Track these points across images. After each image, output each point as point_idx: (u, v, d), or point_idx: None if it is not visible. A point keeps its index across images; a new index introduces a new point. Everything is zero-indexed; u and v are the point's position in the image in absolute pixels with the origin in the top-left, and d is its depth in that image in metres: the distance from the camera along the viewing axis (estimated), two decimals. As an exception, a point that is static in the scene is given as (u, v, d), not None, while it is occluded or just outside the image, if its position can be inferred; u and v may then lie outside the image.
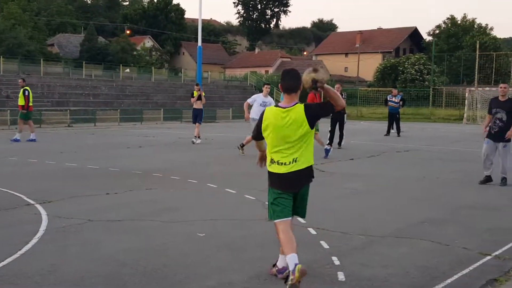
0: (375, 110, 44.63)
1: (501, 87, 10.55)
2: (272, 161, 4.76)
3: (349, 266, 5.28)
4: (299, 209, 4.99)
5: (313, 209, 7.91)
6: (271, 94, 52.76)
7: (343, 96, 17.18)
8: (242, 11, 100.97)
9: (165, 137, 22.19)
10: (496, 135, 10.35)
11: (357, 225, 6.97)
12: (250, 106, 15.15)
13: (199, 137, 19.08)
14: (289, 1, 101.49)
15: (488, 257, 5.62)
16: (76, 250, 5.74)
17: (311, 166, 4.84)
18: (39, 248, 5.79)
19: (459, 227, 7.00)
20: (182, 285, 4.75)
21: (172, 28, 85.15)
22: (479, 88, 38.74)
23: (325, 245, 5.99)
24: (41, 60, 45.39)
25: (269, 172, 4.80)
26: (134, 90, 43.35)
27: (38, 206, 7.86)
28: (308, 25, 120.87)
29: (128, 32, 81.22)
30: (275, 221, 4.81)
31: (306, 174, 4.82)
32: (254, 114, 14.79)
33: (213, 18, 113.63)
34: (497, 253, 5.77)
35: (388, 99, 24.25)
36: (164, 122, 34.53)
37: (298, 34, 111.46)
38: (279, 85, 4.84)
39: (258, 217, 7.33)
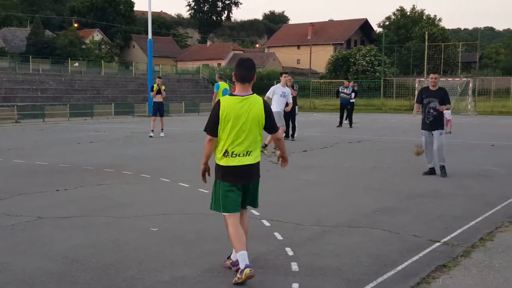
0: (327, 102, 45.13)
1: (431, 78, 10.84)
2: (225, 154, 4.66)
3: (302, 256, 5.33)
4: (252, 200, 4.95)
5: (267, 201, 7.98)
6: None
7: (295, 88, 17.33)
8: (193, 4, 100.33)
9: (117, 132, 21.86)
10: (431, 124, 10.52)
11: (311, 216, 7.03)
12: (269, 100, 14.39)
13: (162, 129, 19.33)
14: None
15: (437, 244, 5.76)
16: (26, 248, 5.61)
17: (259, 162, 4.85)
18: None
19: (410, 215, 7.16)
20: (135, 280, 4.70)
21: (122, 21, 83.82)
22: (428, 79, 39.72)
23: (279, 237, 6.02)
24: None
25: (220, 166, 4.72)
26: (84, 85, 42.52)
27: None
28: (260, 17, 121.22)
29: (76, 25, 79.48)
30: (225, 214, 4.77)
31: (257, 169, 4.82)
32: (276, 107, 14.19)
33: (163, 11, 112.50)
34: (445, 239, 5.93)
35: (340, 90, 24.57)
36: (115, 117, 34.02)
37: (250, 27, 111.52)
38: (233, 74, 4.76)
39: (211, 211, 7.28)
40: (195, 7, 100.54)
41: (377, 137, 19.03)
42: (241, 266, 4.51)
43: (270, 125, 4.79)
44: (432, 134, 10.55)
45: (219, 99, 4.71)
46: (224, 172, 4.70)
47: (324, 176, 10.52)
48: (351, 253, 5.44)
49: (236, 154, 4.64)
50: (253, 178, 4.79)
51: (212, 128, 4.69)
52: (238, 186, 4.72)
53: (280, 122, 13.84)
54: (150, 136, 18.53)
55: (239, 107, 4.60)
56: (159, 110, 19.12)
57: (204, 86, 52.75)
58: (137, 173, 10.61)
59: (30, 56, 49.37)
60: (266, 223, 6.61)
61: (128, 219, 6.90)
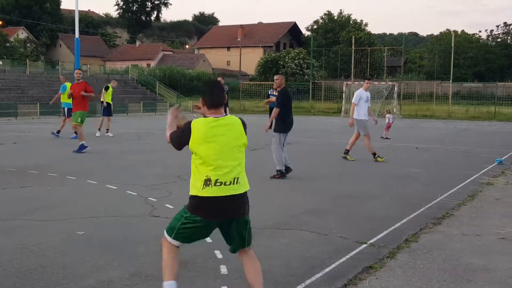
0: (257, 104, 45.42)
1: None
2: (208, 183, 3.90)
3: (232, 259, 5.31)
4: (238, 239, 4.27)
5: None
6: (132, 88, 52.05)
7: (226, 90, 17.37)
8: (122, 3, 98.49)
9: (43, 132, 21.14)
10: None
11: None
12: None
13: (106, 130, 19.85)
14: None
15: (364, 245, 5.91)
16: (16, 243, 5.42)
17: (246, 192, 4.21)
18: None
19: (338, 216, 7.31)
20: (59, 285, 4.57)
21: (48, 19, 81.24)
22: (355, 82, 40.66)
23: (208, 239, 5.98)
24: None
25: (199, 198, 3.95)
26: (8, 84, 40.82)
27: None
28: (190, 18, 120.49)
29: (0, 22, 76.30)
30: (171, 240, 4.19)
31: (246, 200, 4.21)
32: (363, 114, 13.10)
33: (91, 10, 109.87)
34: (372, 241, 6.08)
35: (269, 93, 24.77)
36: (41, 117, 32.89)
37: (180, 27, 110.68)
38: (202, 100, 4.12)
39: (139, 213, 7.22)
40: (124, 6, 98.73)
41: (306, 139, 19.34)
42: None
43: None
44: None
45: (190, 122, 4.00)
46: (200, 205, 3.99)
47: (251, 178, 10.51)
48: (281, 255, 5.50)
49: (221, 182, 3.92)
50: (240, 211, 4.16)
51: (179, 145, 4.12)
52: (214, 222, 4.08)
53: (365, 130, 13.16)
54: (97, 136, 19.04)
55: (215, 126, 3.97)
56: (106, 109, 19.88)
57: (133, 87, 51.87)
58: (63, 174, 10.31)
59: None
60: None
61: (53, 222, 6.69)
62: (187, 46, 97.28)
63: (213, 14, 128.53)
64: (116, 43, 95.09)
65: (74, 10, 37.23)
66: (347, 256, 5.50)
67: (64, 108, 19.29)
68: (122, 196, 8.45)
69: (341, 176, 10.89)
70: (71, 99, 15.07)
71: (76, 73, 15.04)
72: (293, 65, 58.71)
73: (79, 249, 5.62)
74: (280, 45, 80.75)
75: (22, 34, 77.21)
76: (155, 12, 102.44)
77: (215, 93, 4.12)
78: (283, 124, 10.53)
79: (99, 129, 19.55)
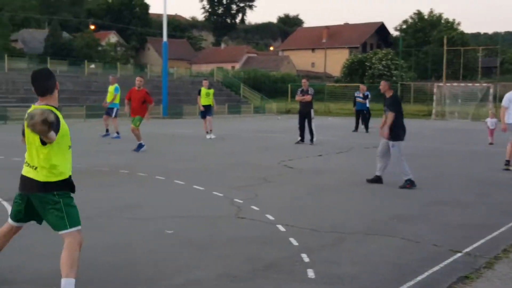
0: (343, 106, 44.90)
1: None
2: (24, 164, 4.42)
3: (318, 263, 5.25)
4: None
5: (282, 206, 7.92)
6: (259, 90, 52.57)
7: (310, 92, 17.25)
8: (208, 6, 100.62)
9: (130, 133, 21.83)
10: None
11: (327, 222, 6.94)
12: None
13: (211, 131, 19.20)
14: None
15: (459, 254, 5.62)
16: (42, 248, 5.60)
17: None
18: (7, 245, 5.60)
19: (429, 223, 7.03)
20: (149, 282, 4.66)
21: (137, 24, 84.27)
22: (447, 84, 39.33)
23: (295, 242, 5.94)
24: (5, 56, 44.38)
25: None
26: (100, 86, 42.65)
27: (5, 203, 7.66)
28: (274, 20, 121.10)
29: (92, 27, 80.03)
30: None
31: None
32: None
33: (178, 14, 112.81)
34: (467, 250, 5.78)
35: (356, 95, 24.44)
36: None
37: (264, 30, 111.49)
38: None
39: (225, 214, 7.26)
40: (210, 10, 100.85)
41: (393, 142, 18.82)
42: None
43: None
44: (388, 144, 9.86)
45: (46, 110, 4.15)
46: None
47: (339, 181, 10.41)
48: (369, 261, 5.34)
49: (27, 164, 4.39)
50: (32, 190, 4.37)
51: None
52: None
53: None
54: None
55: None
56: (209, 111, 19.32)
57: (219, 89, 52.76)
58: (152, 175, 10.59)
59: (48, 58, 49.73)
60: (282, 228, 6.53)
61: (143, 220, 6.86)
62: (271, 48, 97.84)
63: (297, 15, 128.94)
64: (202, 46, 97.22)
65: (162, 14, 38.40)
66: (441, 265, 5.26)
67: (113, 108, 19.95)
68: (208, 197, 8.55)
69: (431, 181, 10.50)
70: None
71: (138, 80, 15.47)
72: (380, 66, 57.59)
73: (168, 247, 5.72)
74: (366, 46, 79.48)
75: (113, 38, 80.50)
76: (240, 15, 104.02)
77: (38, 81, 4.37)
78: (402, 131, 9.85)
79: (208, 131, 18.99)
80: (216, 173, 11.14)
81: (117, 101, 20.03)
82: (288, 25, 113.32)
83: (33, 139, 4.25)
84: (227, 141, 18.60)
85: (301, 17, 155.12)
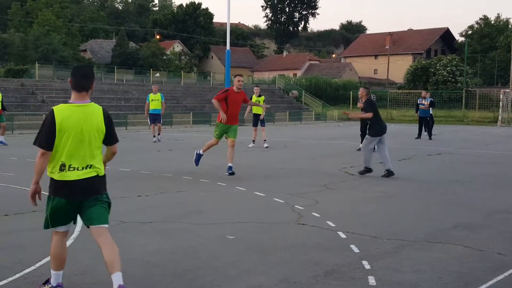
0: (405, 113, 44.16)
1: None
2: (62, 168, 4.22)
3: (379, 270, 5.23)
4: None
5: (343, 212, 7.91)
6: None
7: (372, 98, 17.09)
8: (270, 15, 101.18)
9: (195, 140, 22.30)
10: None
11: (387, 229, 6.89)
12: None
13: (265, 141, 18.83)
14: (317, 4, 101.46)
15: (525, 264, 5.48)
16: None
17: (103, 176, 4.43)
18: (75, 248, 5.88)
19: (493, 232, 6.86)
20: (212, 287, 4.77)
21: (201, 32, 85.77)
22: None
23: (355, 249, 5.94)
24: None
25: (56, 180, 4.26)
26: (164, 94, 43.04)
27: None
28: (337, 27, 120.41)
29: (158, 37, 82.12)
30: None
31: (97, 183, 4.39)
32: None
33: (241, 22, 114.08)
34: (533, 259, 5.62)
35: (418, 102, 23.99)
36: (193, 126, 34.76)
37: (327, 37, 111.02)
38: (69, 80, 4.34)
39: (286, 221, 7.32)
40: (272, 18, 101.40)
41: (458, 149, 18.41)
42: (53, 283, 4.51)
43: (109, 136, 4.46)
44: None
45: (52, 108, 4.25)
46: (57, 187, 4.28)
47: (401, 188, 10.28)
48: (431, 269, 5.28)
49: (74, 168, 4.25)
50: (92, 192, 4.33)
51: (46, 141, 4.20)
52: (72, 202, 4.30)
53: None
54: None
55: (76, 114, 4.23)
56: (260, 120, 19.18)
57: (280, 96, 52.95)
58: (214, 181, 10.78)
59: (115, 67, 51.40)
60: (342, 235, 6.53)
61: (205, 226, 7.01)
62: (333, 55, 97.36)
63: (360, 22, 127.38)
64: (264, 54, 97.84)
65: (225, 23, 38.98)
66: (505, 274, 5.13)
67: (159, 114, 20.67)
68: (269, 203, 8.64)
69: (496, 189, 10.21)
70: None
71: (238, 80, 12.24)
72: (445, 73, 56.17)
73: (230, 252, 5.83)
74: (431, 52, 77.79)
75: (178, 47, 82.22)
76: (303, 23, 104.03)
77: (77, 77, 4.32)
78: (379, 130, 11.80)
79: (256, 140, 18.96)
80: (276, 179, 11.23)
81: (158, 106, 20.63)
82: (351, 32, 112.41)
83: (89, 138, 4.24)
84: (288, 148, 18.66)
85: (364, 23, 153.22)
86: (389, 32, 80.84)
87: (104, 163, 4.49)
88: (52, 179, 4.27)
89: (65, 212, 4.31)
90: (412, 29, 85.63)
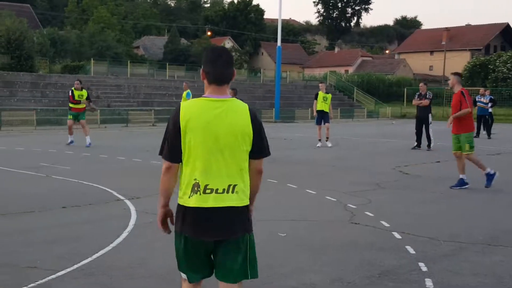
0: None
1: None
2: (195, 189, 3.05)
3: (437, 273, 5.06)
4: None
5: (398, 212, 7.73)
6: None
7: (428, 96, 16.70)
8: (322, 10, 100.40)
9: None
10: None
11: (445, 230, 6.67)
12: None
13: (327, 139, 17.89)
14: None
15: None
16: (163, 245, 5.82)
17: (247, 207, 3.21)
18: (129, 241, 5.96)
19: (558, 235, 6.56)
20: (264, 284, 4.72)
21: (252, 29, 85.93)
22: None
23: (411, 250, 5.77)
24: (128, 62, 47.08)
25: (184, 207, 3.12)
26: (215, 90, 43.99)
27: (127, 202, 8.11)
28: (391, 23, 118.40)
29: (209, 33, 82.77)
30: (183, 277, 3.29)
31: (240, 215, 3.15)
32: None
33: (292, 18, 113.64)
34: None
35: (477, 99, 23.25)
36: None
37: (380, 32, 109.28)
38: (202, 71, 3.22)
39: (338, 219, 7.21)
40: (324, 13, 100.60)
41: (517, 149, 17.77)
42: None
43: (257, 146, 3.18)
44: None
45: (178, 104, 3.22)
46: (186, 218, 3.11)
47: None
48: (492, 273, 5.07)
49: (211, 190, 3.05)
50: (235, 230, 3.12)
51: (171, 148, 3.10)
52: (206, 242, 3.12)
53: None
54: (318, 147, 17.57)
55: (210, 109, 3.07)
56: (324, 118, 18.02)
57: (331, 93, 52.54)
58: (264, 178, 10.67)
59: (167, 63, 52.09)
60: (397, 235, 6.37)
61: (256, 222, 6.91)
62: (387, 51, 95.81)
63: (415, 17, 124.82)
64: (315, 50, 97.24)
65: (276, 19, 38.90)
66: None
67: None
68: (321, 201, 8.53)
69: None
70: None
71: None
72: (505, 69, 54.36)
73: (282, 250, 5.77)
74: (490, 48, 75.44)
75: (228, 43, 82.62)
76: (355, 18, 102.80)
77: (218, 65, 3.18)
78: None
79: (322, 139, 17.86)
80: (328, 177, 11.09)
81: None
82: (405, 27, 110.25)
83: (230, 145, 3.05)
84: (340, 146, 18.43)
85: (419, 18, 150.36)
86: (446, 28, 78.78)
87: (251, 189, 3.25)
88: (180, 206, 3.13)
89: (198, 256, 3.14)
90: (470, 25, 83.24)
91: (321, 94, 17.87)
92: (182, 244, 3.12)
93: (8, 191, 9.02)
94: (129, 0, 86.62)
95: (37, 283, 4.67)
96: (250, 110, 3.15)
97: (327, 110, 17.76)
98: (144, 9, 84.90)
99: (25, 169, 11.36)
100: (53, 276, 4.83)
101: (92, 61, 42.63)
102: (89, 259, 5.31)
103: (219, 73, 3.16)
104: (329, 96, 18.07)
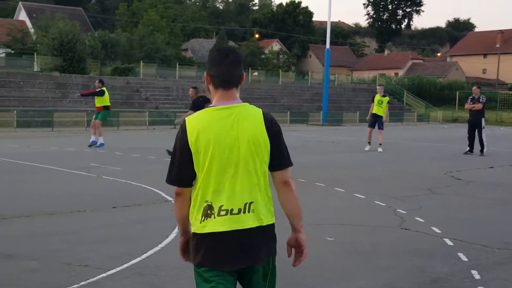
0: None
1: None
2: (208, 213, 2.67)
3: (491, 281, 4.90)
4: None
5: (450, 218, 7.54)
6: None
7: (481, 100, 16.25)
8: (372, 12, 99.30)
9: (292, 140, 22.25)
10: None
11: (499, 237, 6.46)
12: None
13: (380, 144, 17.18)
14: (422, 0, 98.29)
15: None
16: None
17: (272, 226, 2.83)
18: (177, 242, 5.99)
19: None
20: (312, 287, 4.68)
21: (300, 31, 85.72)
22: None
23: (464, 258, 5.61)
24: (177, 64, 47.71)
25: (198, 235, 2.72)
26: (262, 93, 44.11)
27: (171, 198, 8.18)
28: (443, 25, 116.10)
29: (257, 36, 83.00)
30: None
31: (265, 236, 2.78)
32: None
33: (341, 20, 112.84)
34: None
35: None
36: (290, 125, 34.76)
37: (432, 35, 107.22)
38: (206, 74, 2.87)
39: (388, 224, 7.08)
40: (374, 15, 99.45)
41: None
42: None
43: (277, 155, 2.79)
44: None
45: (184, 120, 2.79)
46: (203, 247, 2.70)
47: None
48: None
49: (226, 210, 2.66)
50: (259, 255, 2.73)
51: (179, 172, 2.74)
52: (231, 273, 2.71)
53: None
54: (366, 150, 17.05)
55: (220, 119, 2.69)
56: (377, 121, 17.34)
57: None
58: (312, 181, 10.65)
59: (215, 66, 52.43)
60: (449, 242, 6.20)
61: (303, 226, 6.90)
62: (438, 54, 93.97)
63: (469, 19, 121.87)
64: (364, 53, 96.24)
65: (325, 22, 38.70)
66: None
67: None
68: (370, 205, 8.40)
69: None
70: None
71: None
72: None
73: (329, 254, 5.71)
74: (547, 51, 72.94)
75: (276, 46, 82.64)
76: (406, 20, 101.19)
77: (224, 66, 2.80)
78: None
79: (370, 143, 17.31)
80: (377, 182, 10.92)
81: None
82: (458, 29, 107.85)
83: (245, 157, 2.68)
84: (389, 150, 18.15)
85: (472, 21, 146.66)
86: (500, 30, 76.67)
87: (283, 207, 2.90)
88: (194, 235, 2.75)
89: None
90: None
91: (377, 97, 17.41)
92: (203, 277, 2.68)
93: (61, 191, 9.25)
94: (178, 3, 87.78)
95: (88, 281, 4.76)
96: (264, 115, 2.74)
97: (381, 114, 17.17)
98: (193, 12, 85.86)
99: (77, 169, 11.63)
100: (104, 274, 4.92)
101: (141, 63, 43.36)
102: (138, 259, 5.38)
103: (226, 75, 2.77)
104: (386, 99, 17.41)
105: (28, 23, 57.10)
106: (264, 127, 2.70)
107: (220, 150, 2.63)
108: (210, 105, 2.77)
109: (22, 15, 63.15)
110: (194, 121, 2.69)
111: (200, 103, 11.47)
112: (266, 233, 2.73)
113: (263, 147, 2.69)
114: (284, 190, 2.83)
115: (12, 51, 46.23)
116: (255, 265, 2.70)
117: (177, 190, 2.76)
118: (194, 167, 2.67)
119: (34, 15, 57.93)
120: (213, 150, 2.63)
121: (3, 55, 44.36)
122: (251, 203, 2.66)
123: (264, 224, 2.70)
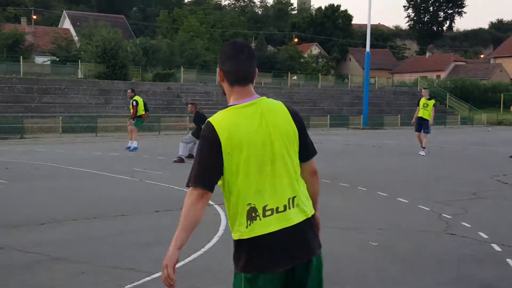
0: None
1: None
2: (253, 215, 2.56)
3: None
4: None
5: (497, 223, 7.36)
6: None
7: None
8: (413, 14, 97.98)
9: (333, 143, 22.15)
10: None
11: (549, 243, 6.27)
12: None
13: (424, 148, 16.80)
14: (464, 2, 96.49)
15: None
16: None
17: (314, 215, 2.75)
18: (220, 246, 6.04)
19: None
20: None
21: (339, 35, 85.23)
22: None
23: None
24: (216, 69, 47.95)
25: (244, 241, 2.59)
26: (301, 97, 44.03)
27: (217, 207, 8.22)
28: (486, 26, 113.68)
29: (296, 40, 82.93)
30: None
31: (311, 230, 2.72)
32: None
33: (381, 23, 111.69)
34: None
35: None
36: (330, 129, 34.58)
37: (474, 36, 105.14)
38: (219, 71, 2.76)
39: (432, 229, 6.95)
40: (415, 18, 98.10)
41: None
42: None
43: (305, 145, 2.75)
44: None
45: (208, 121, 2.63)
46: (252, 251, 2.58)
47: None
48: None
49: (271, 210, 2.57)
50: (314, 247, 2.69)
51: (205, 174, 2.59)
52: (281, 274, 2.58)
53: None
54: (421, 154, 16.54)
55: (247, 117, 2.61)
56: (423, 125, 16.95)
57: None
58: (354, 185, 10.56)
59: (254, 70, 52.61)
60: (497, 248, 6.06)
61: (345, 230, 6.86)
62: (481, 56, 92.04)
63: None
64: (404, 55, 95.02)
65: (364, 25, 38.39)
66: None
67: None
68: (413, 210, 8.27)
69: None
70: None
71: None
72: None
73: (373, 259, 5.65)
74: None
75: (315, 50, 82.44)
76: (448, 22, 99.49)
77: (240, 62, 2.68)
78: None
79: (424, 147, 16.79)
80: (421, 186, 10.75)
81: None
82: (502, 30, 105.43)
83: (280, 152, 2.61)
84: (433, 153, 17.84)
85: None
86: (545, 30, 74.66)
87: (312, 197, 2.80)
88: (239, 242, 2.62)
89: None
90: None
91: (422, 100, 17.10)
92: (254, 284, 2.54)
93: (105, 195, 9.42)
94: (218, 9, 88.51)
95: (133, 284, 4.83)
96: (287, 107, 2.71)
97: (427, 117, 16.80)
98: (232, 17, 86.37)
99: (120, 173, 11.83)
100: (149, 278, 4.98)
101: (181, 69, 43.85)
102: (182, 263, 5.42)
103: (243, 71, 2.67)
104: (431, 102, 16.99)
105: (72, 31, 58.46)
106: (291, 118, 2.68)
107: (254, 149, 2.56)
108: (230, 104, 2.67)
109: (67, 24, 64.65)
110: (223, 121, 2.59)
111: (203, 116, 13.60)
112: (312, 223, 2.70)
113: (293, 138, 2.66)
114: (314, 179, 2.84)
115: (57, 59, 47.42)
116: (312, 257, 2.62)
117: (200, 192, 2.57)
118: (224, 169, 2.57)
119: (78, 23, 59.27)
120: (248, 150, 2.55)
121: (49, 62, 45.55)
122: (294, 197, 2.61)
123: (308, 216, 2.66)
